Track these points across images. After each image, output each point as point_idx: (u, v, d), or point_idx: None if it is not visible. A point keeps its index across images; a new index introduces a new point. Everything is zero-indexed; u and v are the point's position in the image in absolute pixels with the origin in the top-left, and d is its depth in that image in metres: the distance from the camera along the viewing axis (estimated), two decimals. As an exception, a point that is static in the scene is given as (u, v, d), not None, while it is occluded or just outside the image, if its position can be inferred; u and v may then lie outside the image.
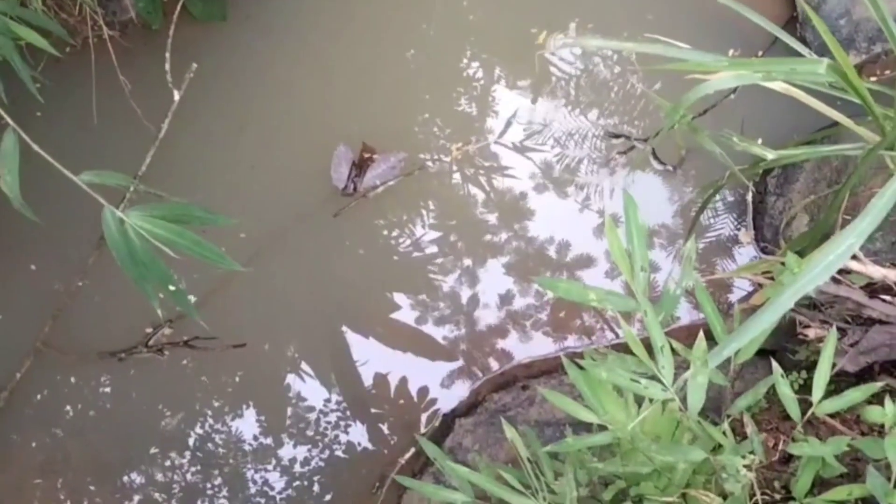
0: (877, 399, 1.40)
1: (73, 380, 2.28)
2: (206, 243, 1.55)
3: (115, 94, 2.25)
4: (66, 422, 2.27)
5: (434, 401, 2.24)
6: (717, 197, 2.32)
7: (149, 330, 2.27)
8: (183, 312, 2.24)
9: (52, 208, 2.10)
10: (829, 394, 1.45)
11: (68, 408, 2.28)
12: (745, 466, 1.28)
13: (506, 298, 2.31)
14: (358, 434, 2.24)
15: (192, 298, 2.27)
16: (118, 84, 2.24)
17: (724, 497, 1.35)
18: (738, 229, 2.29)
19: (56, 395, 2.28)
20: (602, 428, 1.39)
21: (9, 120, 1.53)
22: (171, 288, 1.58)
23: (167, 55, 2.18)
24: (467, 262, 2.35)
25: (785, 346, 1.90)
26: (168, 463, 2.24)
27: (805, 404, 1.44)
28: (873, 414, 1.31)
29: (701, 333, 1.35)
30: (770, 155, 1.60)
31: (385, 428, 2.24)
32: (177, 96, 2.15)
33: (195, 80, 2.18)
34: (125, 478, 2.23)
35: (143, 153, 2.21)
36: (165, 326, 2.26)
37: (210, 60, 2.42)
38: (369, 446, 2.23)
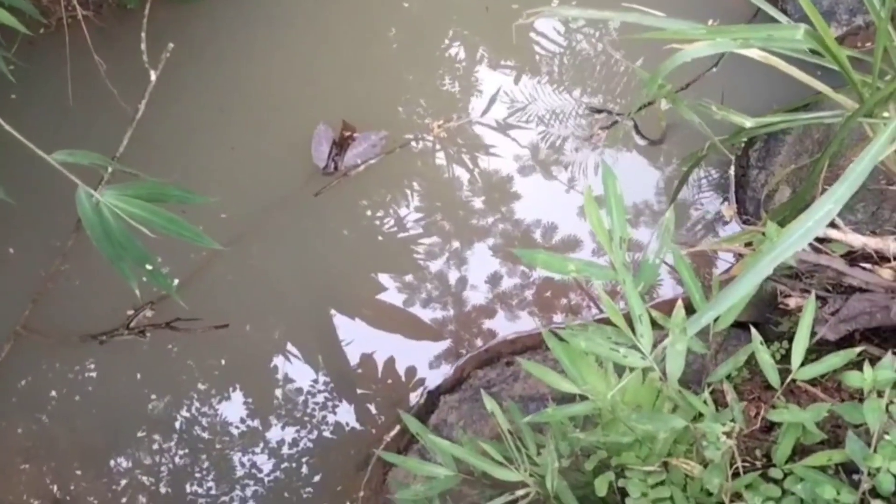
0: (856, 367, 1.40)
1: (56, 364, 2.27)
2: (182, 221, 1.54)
3: (91, 75, 2.22)
4: (51, 407, 2.26)
5: (422, 380, 2.24)
6: (701, 175, 2.31)
7: (130, 312, 2.26)
8: (165, 295, 2.23)
9: (30, 192, 2.09)
10: (809, 362, 1.45)
11: (53, 393, 2.27)
12: (724, 434, 1.28)
13: (492, 278, 2.30)
14: (345, 414, 2.24)
15: (175, 282, 2.26)
16: (94, 65, 2.21)
17: (705, 465, 1.35)
18: (723, 203, 2.29)
19: (39, 380, 2.27)
20: (583, 399, 1.39)
21: (-22, 99, 1.51)
22: (149, 267, 1.57)
23: (143, 35, 2.15)
24: (452, 241, 2.34)
25: (768, 318, 1.91)
26: (155, 447, 2.23)
27: (786, 373, 1.44)
28: (852, 379, 1.32)
29: (679, 302, 1.34)
30: (748, 123, 1.60)
31: (372, 407, 2.24)
32: (153, 77, 2.12)
33: (173, 60, 2.15)
34: (111, 462, 2.22)
35: (121, 135, 2.19)
36: (147, 308, 2.25)
37: (188, 41, 2.39)
38: (357, 426, 2.22)
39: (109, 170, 1.91)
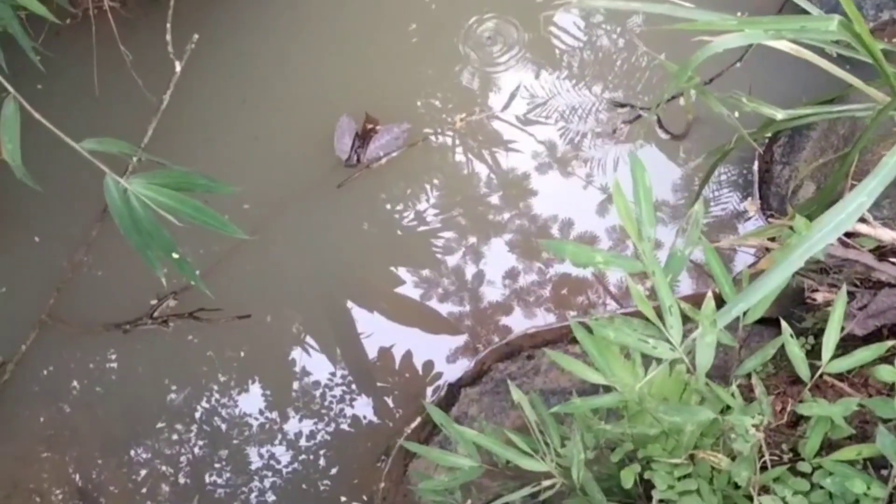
0: (885, 362, 1.39)
1: (78, 354, 2.29)
2: (208, 210, 1.54)
3: (117, 65, 2.24)
4: (73, 396, 2.27)
5: (439, 374, 2.23)
6: (722, 171, 2.30)
7: (153, 302, 2.27)
8: (188, 285, 2.24)
9: (56, 180, 2.10)
10: (836, 357, 1.44)
11: (75, 382, 2.28)
12: (753, 426, 1.27)
13: (509, 274, 2.30)
14: (363, 407, 2.24)
15: (197, 272, 2.26)
16: (119, 55, 2.22)
17: (732, 458, 1.35)
18: (744, 199, 2.28)
19: (62, 368, 2.29)
20: (609, 391, 1.38)
21: (8, 87, 1.52)
22: (175, 256, 1.57)
23: (168, 26, 2.16)
24: (470, 236, 2.34)
25: (792, 314, 1.90)
26: (175, 437, 2.24)
27: (813, 369, 1.43)
28: (884, 373, 1.31)
29: (710, 293, 1.34)
30: (780, 115, 1.59)
31: (390, 401, 2.24)
32: (178, 67, 2.13)
33: (198, 51, 2.16)
34: (132, 452, 2.24)
35: (146, 125, 2.20)
36: (170, 298, 2.26)
37: (212, 32, 2.40)
38: (374, 419, 2.23)
39: (135, 159, 1.93)
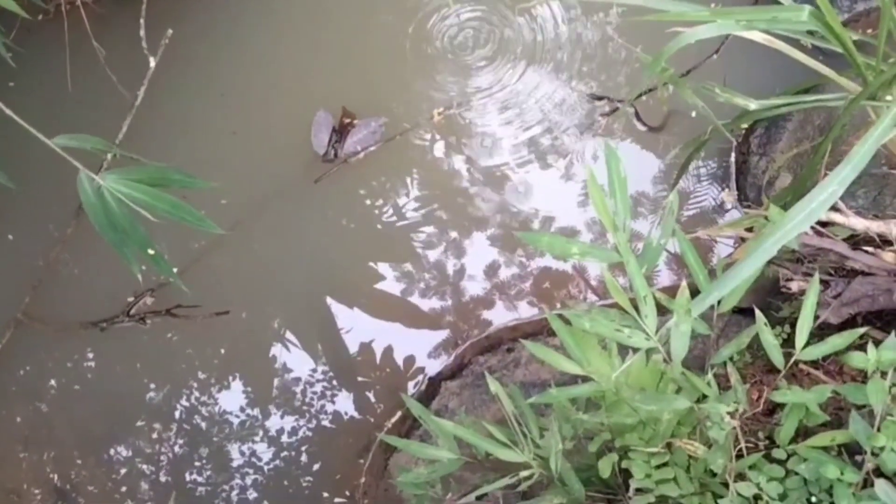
0: (859, 349, 1.40)
1: (56, 352, 2.27)
2: (184, 206, 1.53)
3: (91, 62, 2.22)
4: (51, 395, 2.26)
5: (421, 369, 2.24)
6: (700, 164, 2.31)
7: (130, 299, 2.25)
8: (166, 282, 2.22)
9: (30, 178, 2.08)
10: (812, 345, 1.45)
11: (52, 381, 2.26)
12: (728, 414, 1.28)
13: (490, 268, 2.30)
14: (344, 403, 2.24)
15: (175, 269, 2.25)
16: (93, 52, 2.20)
17: (709, 446, 1.36)
18: (722, 191, 2.29)
19: (39, 367, 2.27)
20: (586, 381, 1.39)
21: (-23, 83, 1.50)
22: (151, 252, 1.56)
23: (142, 21, 2.14)
24: (450, 231, 2.34)
25: (769, 304, 1.91)
26: (154, 435, 2.23)
27: (789, 356, 1.45)
28: (856, 359, 1.32)
29: (684, 283, 1.34)
30: (753, 105, 1.60)
31: (371, 396, 2.24)
32: (152, 63, 2.12)
33: (174, 46, 2.14)
34: (111, 450, 2.22)
35: (121, 121, 2.18)
36: (147, 295, 2.24)
37: (189, 27, 2.39)
38: (356, 414, 2.22)
39: (110, 155, 1.91)
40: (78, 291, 2.29)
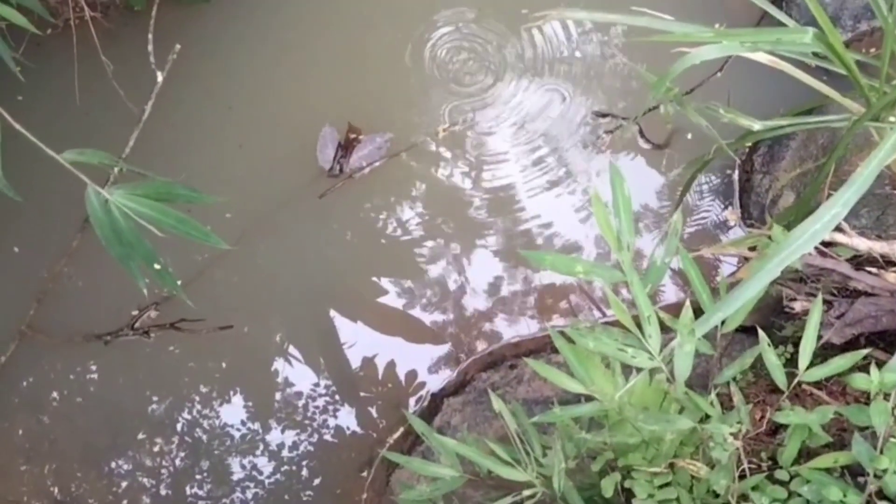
0: (862, 370, 1.40)
1: (59, 365, 2.27)
2: (191, 221, 1.53)
3: (99, 76, 2.23)
4: (53, 407, 2.26)
5: (423, 384, 2.23)
6: (704, 180, 2.32)
7: (134, 312, 2.26)
8: (169, 295, 2.23)
9: (36, 191, 2.08)
10: (815, 366, 1.45)
11: (55, 394, 2.26)
12: (731, 435, 1.28)
13: (493, 284, 2.30)
14: (346, 417, 2.23)
15: (179, 282, 2.26)
16: (101, 66, 2.21)
17: (712, 467, 1.35)
18: (726, 209, 2.30)
19: (42, 380, 2.27)
20: (590, 400, 1.39)
21: (-13, 97, 1.51)
22: (157, 267, 1.56)
23: (150, 36, 2.16)
24: (454, 246, 2.34)
25: (772, 323, 1.91)
26: (156, 448, 2.23)
27: (792, 376, 1.45)
28: (859, 381, 1.32)
29: (687, 303, 1.35)
30: (756, 125, 1.61)
31: (373, 411, 2.23)
32: (160, 77, 2.13)
33: (181, 61, 2.16)
34: (112, 463, 2.22)
35: (128, 135, 2.19)
36: (151, 309, 2.24)
37: (196, 42, 2.40)
38: (357, 430, 2.22)
39: (117, 169, 1.92)
40: (82, 304, 2.29)
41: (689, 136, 2.33)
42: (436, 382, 2.23)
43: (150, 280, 1.56)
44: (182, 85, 2.35)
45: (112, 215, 1.49)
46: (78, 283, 2.30)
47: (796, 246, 1.22)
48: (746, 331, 1.86)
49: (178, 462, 2.21)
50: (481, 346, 2.24)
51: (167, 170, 2.26)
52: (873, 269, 1.66)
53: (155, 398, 2.26)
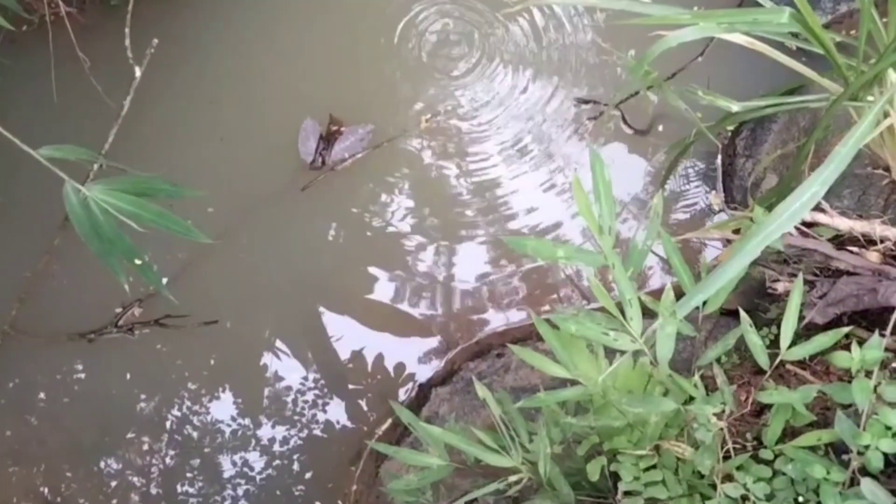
0: (844, 349, 1.41)
1: (44, 365, 2.26)
2: (170, 215, 1.53)
3: (76, 72, 2.21)
4: (40, 407, 2.24)
5: (411, 375, 2.23)
6: (689, 166, 2.32)
7: (118, 310, 2.24)
8: (153, 292, 2.22)
9: (15, 189, 2.08)
10: (798, 345, 1.46)
11: (41, 394, 2.25)
12: (715, 415, 1.28)
13: (481, 274, 2.30)
14: (335, 410, 2.23)
15: (164, 280, 2.25)
16: (78, 62, 2.20)
17: (697, 448, 1.36)
18: (710, 192, 2.30)
19: (28, 380, 2.25)
20: (575, 385, 1.39)
21: (-39, 94, 1.49)
22: (138, 262, 1.56)
23: (127, 31, 2.14)
24: (440, 236, 2.33)
25: (756, 305, 1.92)
26: (145, 447, 2.22)
27: (775, 357, 1.45)
28: (841, 359, 1.32)
29: (669, 286, 1.35)
30: (735, 107, 1.61)
31: (363, 403, 2.23)
32: (138, 73, 2.11)
33: (161, 56, 2.14)
34: (101, 462, 2.21)
35: (108, 130, 2.18)
36: (135, 305, 2.23)
37: (175, 36, 2.39)
38: (347, 422, 2.22)
39: (96, 165, 1.90)
40: (66, 303, 2.28)
41: (673, 120, 2.32)
42: (424, 373, 2.22)
43: (133, 277, 1.56)
44: (162, 80, 2.34)
45: (91, 211, 1.48)
46: (61, 282, 2.28)
47: (776, 226, 1.22)
48: (732, 314, 1.87)
49: (167, 460, 2.21)
50: (469, 335, 2.24)
51: (148, 164, 2.25)
52: (854, 249, 1.67)
53: (143, 396, 2.25)
